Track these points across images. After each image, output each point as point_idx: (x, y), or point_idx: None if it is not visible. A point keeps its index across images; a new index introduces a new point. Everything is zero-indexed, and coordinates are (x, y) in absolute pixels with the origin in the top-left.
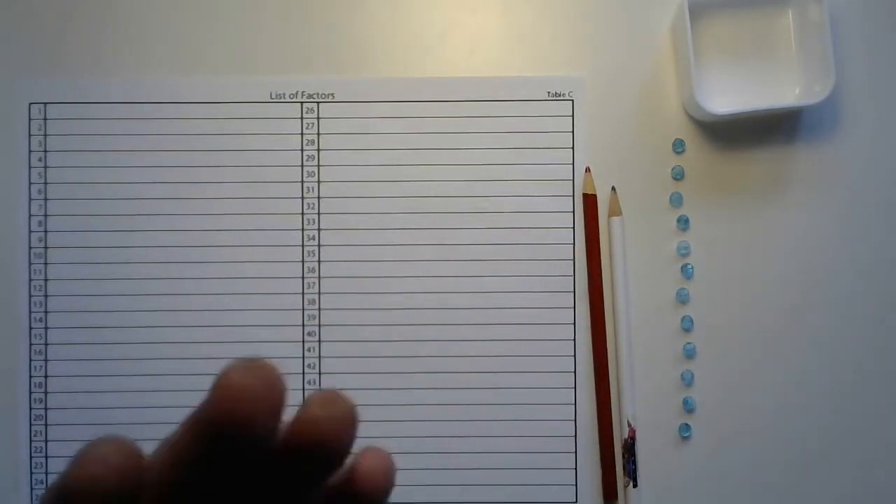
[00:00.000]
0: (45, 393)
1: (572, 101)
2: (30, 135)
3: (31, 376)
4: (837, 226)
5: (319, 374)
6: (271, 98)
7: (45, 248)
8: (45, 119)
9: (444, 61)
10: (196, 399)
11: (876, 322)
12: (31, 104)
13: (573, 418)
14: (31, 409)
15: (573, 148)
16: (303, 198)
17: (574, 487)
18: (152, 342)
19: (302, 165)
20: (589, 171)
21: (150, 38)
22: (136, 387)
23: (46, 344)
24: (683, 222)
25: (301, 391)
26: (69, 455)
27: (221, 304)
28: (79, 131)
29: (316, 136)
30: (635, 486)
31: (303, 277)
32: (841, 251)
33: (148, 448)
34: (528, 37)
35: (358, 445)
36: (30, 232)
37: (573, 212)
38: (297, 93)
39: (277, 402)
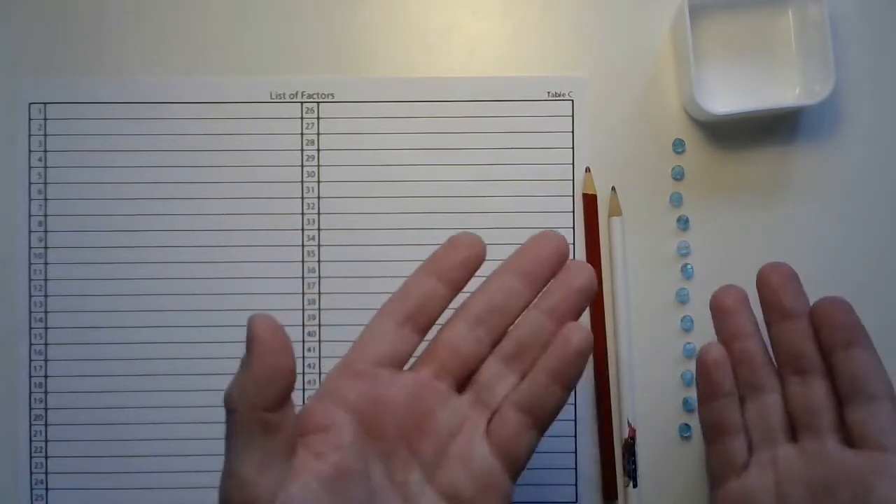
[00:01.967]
0: (45, 393)
1: (572, 101)
2: (30, 135)
3: (31, 376)
4: (837, 226)
5: (319, 373)
6: (271, 98)
7: (45, 248)
8: (45, 119)
9: (444, 61)
10: (196, 399)
11: (876, 321)
12: (31, 104)
13: (573, 418)
14: (31, 409)
15: (573, 148)
16: (303, 198)
17: (574, 487)
18: (152, 342)
19: (302, 165)
20: (589, 171)
21: (150, 38)
22: (135, 387)
23: (46, 344)
24: (683, 222)
25: (301, 391)
26: (69, 455)
27: (221, 303)
28: (79, 131)
29: (316, 136)
30: (635, 486)
31: (303, 277)
32: (841, 251)
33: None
34: (528, 37)
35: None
36: (30, 232)
37: (573, 212)
38: (297, 93)
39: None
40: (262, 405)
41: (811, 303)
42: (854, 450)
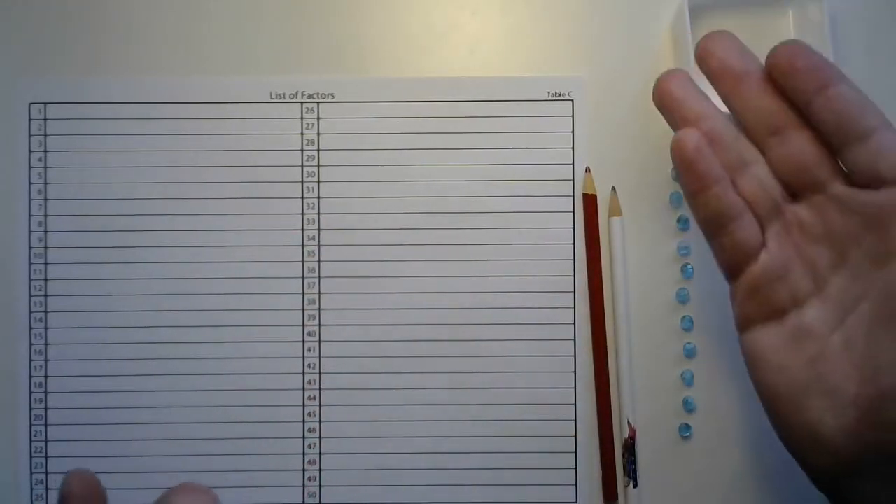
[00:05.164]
0: (45, 393)
1: (572, 101)
2: (30, 135)
3: (31, 376)
4: None
5: (319, 374)
6: (271, 98)
7: (45, 248)
8: (45, 119)
9: (444, 61)
10: (195, 399)
11: None
12: (31, 104)
13: (573, 418)
14: (31, 409)
15: (573, 148)
16: (303, 198)
17: (574, 487)
18: (152, 342)
19: (302, 165)
20: (589, 171)
21: (150, 38)
22: (136, 387)
23: (46, 344)
24: (683, 222)
25: (301, 391)
26: (69, 455)
27: (221, 304)
28: (79, 131)
29: (316, 136)
30: (635, 486)
31: (303, 277)
32: None
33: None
34: (528, 37)
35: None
36: (30, 232)
37: (573, 212)
38: (297, 93)
39: None
40: None
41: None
42: (868, 190)
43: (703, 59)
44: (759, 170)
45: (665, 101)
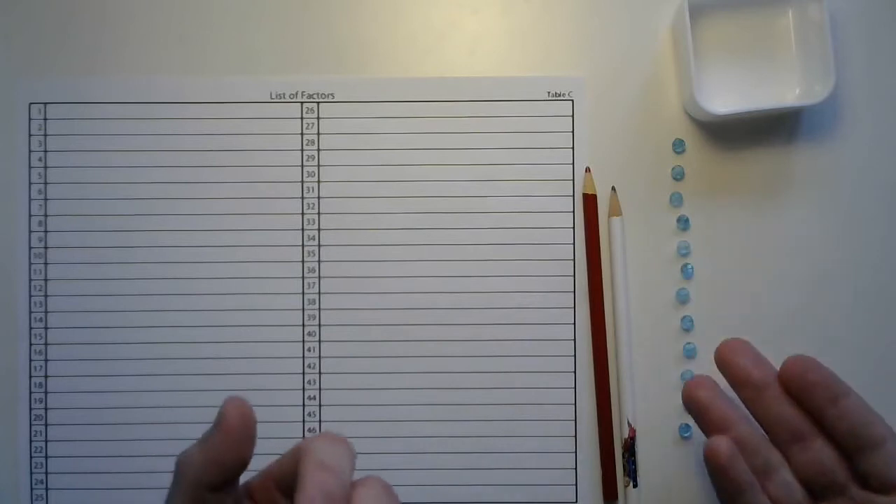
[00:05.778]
0: (45, 393)
1: (572, 101)
2: (30, 135)
3: (31, 376)
4: (838, 226)
5: (319, 374)
6: (271, 98)
7: (45, 248)
8: (45, 119)
9: (444, 61)
10: (196, 398)
11: (877, 322)
12: (31, 104)
13: (573, 418)
14: (31, 409)
15: (573, 148)
16: (303, 198)
17: (574, 487)
18: (152, 342)
19: (302, 165)
20: (589, 171)
21: (151, 38)
22: (136, 387)
23: (46, 344)
24: (683, 222)
25: (301, 391)
26: (69, 455)
27: (222, 304)
28: (79, 131)
29: (316, 136)
30: (635, 486)
31: (303, 277)
32: (841, 251)
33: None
34: (528, 37)
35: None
36: (30, 232)
37: (573, 212)
38: (297, 93)
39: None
40: (206, 485)
41: (771, 359)
42: (881, 495)
43: (723, 368)
44: (784, 474)
45: (694, 408)
